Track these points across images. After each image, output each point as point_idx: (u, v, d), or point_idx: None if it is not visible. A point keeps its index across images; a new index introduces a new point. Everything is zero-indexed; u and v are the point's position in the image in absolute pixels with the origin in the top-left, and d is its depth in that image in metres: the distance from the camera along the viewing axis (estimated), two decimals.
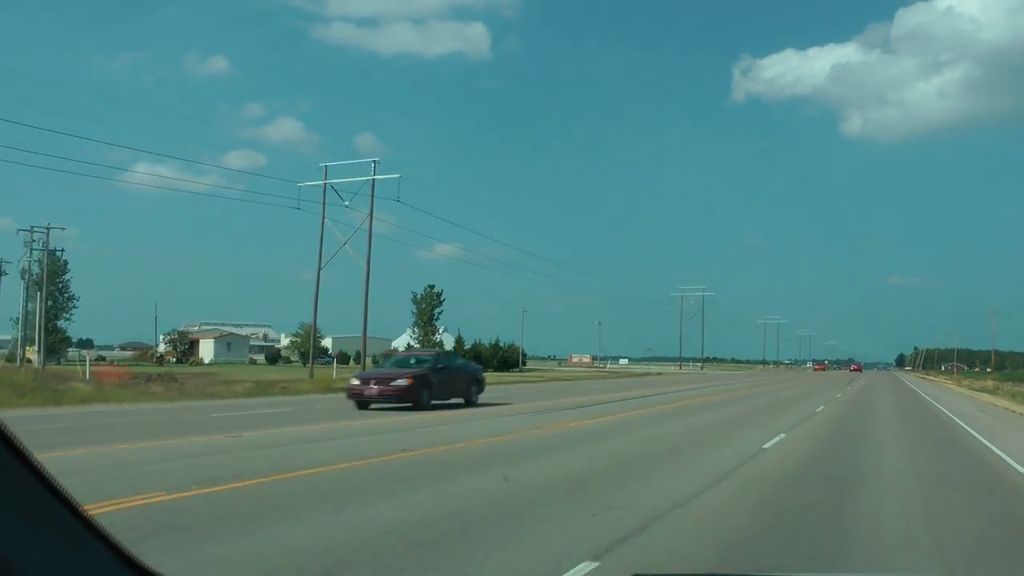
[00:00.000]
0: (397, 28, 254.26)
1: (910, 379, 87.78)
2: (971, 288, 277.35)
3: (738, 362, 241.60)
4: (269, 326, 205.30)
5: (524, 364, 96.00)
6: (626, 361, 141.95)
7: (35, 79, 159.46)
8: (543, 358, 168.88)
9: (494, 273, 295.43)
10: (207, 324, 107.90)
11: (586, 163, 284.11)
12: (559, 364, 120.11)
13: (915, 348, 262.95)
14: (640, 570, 3.42)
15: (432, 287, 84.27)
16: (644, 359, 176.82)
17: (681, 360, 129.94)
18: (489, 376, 35.33)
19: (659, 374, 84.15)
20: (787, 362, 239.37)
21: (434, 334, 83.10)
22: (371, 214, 47.62)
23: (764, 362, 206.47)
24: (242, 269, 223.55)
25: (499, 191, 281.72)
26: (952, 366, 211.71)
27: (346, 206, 48.49)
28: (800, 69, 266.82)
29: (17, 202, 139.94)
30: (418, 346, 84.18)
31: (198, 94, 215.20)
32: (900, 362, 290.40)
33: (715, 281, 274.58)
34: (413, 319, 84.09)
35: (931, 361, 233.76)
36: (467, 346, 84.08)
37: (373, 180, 47.63)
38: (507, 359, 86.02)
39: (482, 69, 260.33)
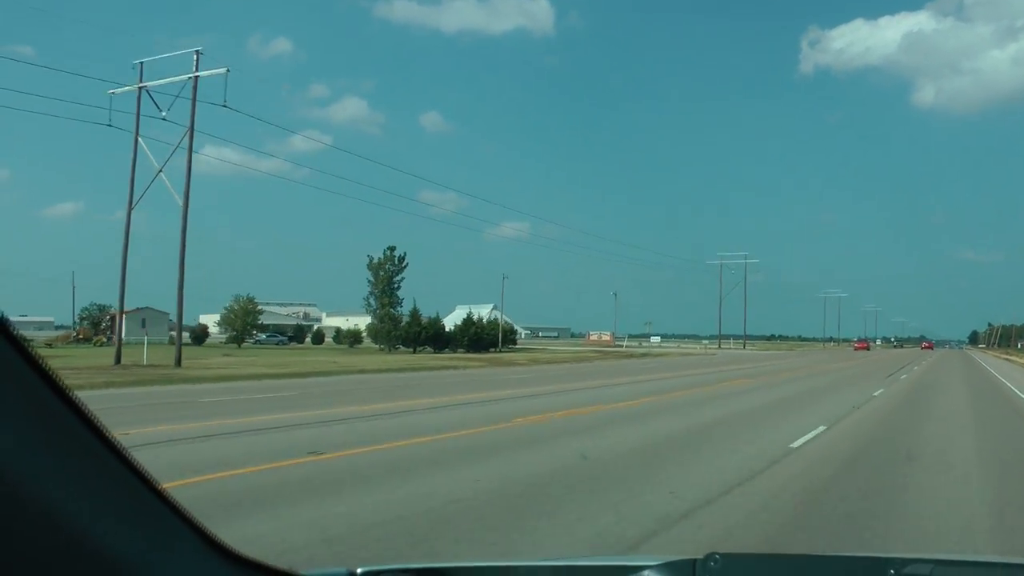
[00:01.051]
0: (460, 4, 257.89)
1: (987, 359, 71.05)
2: None
3: (804, 339, 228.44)
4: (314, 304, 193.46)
5: (512, 343, 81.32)
6: (658, 339, 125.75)
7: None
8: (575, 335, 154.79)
9: (560, 254, 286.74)
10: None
11: (651, 139, 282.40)
12: (578, 342, 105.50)
13: (989, 324, 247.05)
14: None
15: (392, 249, 69.55)
16: (683, 336, 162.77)
17: (720, 337, 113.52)
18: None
19: (661, 355, 68.39)
20: (856, 340, 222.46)
21: (394, 306, 68.42)
22: (191, 129, 32.96)
23: (828, 339, 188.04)
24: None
25: (562, 169, 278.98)
26: None
27: (163, 117, 33.74)
28: (871, 39, 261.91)
29: None
30: (373, 319, 69.88)
31: (264, 74, 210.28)
32: (973, 339, 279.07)
33: (782, 256, 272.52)
34: (368, 288, 69.53)
35: (1007, 338, 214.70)
36: (433, 320, 69.33)
37: (195, 79, 32.91)
38: (481, 337, 70.77)
39: (546, 44, 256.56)
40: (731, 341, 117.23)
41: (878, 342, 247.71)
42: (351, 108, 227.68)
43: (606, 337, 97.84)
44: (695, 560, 1.85)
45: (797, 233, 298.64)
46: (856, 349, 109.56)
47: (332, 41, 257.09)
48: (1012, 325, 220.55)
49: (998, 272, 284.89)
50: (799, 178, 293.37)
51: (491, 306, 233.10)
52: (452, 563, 3.30)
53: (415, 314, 66.80)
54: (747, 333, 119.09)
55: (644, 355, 66.55)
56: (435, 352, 63.17)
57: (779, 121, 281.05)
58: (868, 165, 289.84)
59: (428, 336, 65.34)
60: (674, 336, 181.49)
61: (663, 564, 1.90)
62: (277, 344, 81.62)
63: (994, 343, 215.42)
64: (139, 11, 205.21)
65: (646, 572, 1.95)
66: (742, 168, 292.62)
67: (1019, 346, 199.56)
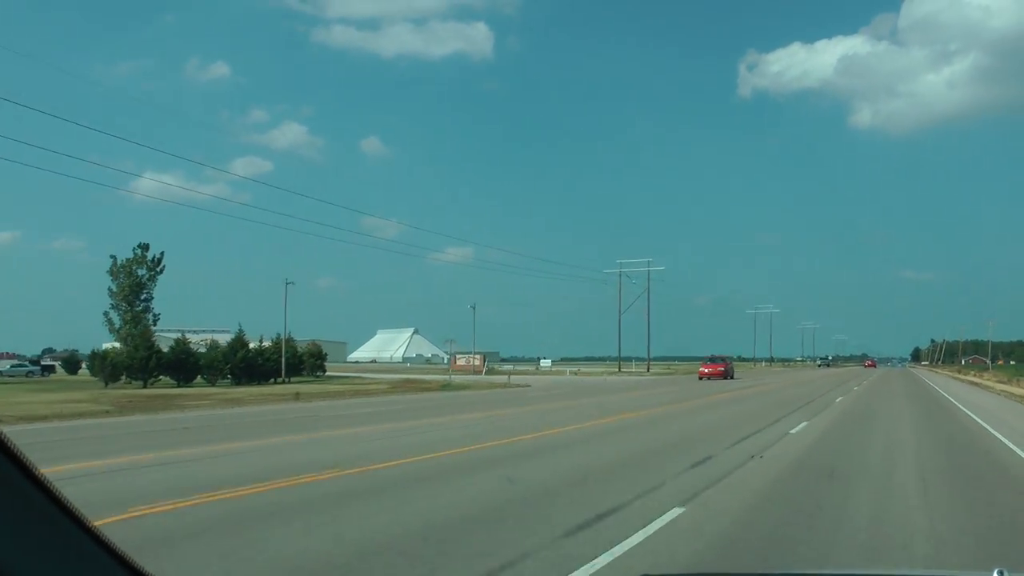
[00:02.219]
0: (398, 29, 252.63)
1: (941, 383, 54.79)
2: (987, 280, 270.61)
3: (744, 360, 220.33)
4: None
5: (320, 370, 61.96)
6: (548, 362, 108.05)
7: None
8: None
9: (505, 274, 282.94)
10: None
11: (590, 162, 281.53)
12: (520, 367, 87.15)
13: (932, 341, 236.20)
14: None
15: (145, 248, 50.76)
16: (607, 358, 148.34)
17: (621, 360, 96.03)
18: None
19: (519, 386, 50.31)
20: (706, 360, 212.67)
21: (139, 323, 49.37)
22: None
23: (759, 360, 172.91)
24: None
25: (502, 193, 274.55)
26: (973, 359, 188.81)
27: None
28: (808, 62, 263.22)
29: None
30: (114, 344, 51.06)
31: (201, 100, 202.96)
32: (916, 356, 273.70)
33: (726, 277, 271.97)
34: (111, 301, 50.49)
35: (952, 354, 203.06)
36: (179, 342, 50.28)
37: None
38: (255, 365, 51.87)
39: (485, 69, 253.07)
40: (632, 364, 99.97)
41: (809, 361, 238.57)
42: (291, 134, 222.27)
43: (476, 361, 79.84)
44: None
45: (736, 254, 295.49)
46: (702, 376, 64.09)
47: (270, 66, 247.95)
48: (957, 341, 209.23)
49: (937, 290, 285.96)
50: (742, 202, 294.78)
51: (412, 330, 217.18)
52: None
53: (146, 333, 47.61)
54: (664, 354, 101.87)
55: (497, 386, 48.18)
56: (177, 385, 45.25)
57: (720, 145, 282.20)
58: (807, 186, 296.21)
59: (168, 363, 46.60)
60: (595, 358, 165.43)
61: None
62: (26, 375, 62.78)
63: (938, 360, 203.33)
64: (74, 33, 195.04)
65: None
66: (684, 192, 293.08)
67: (963, 363, 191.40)
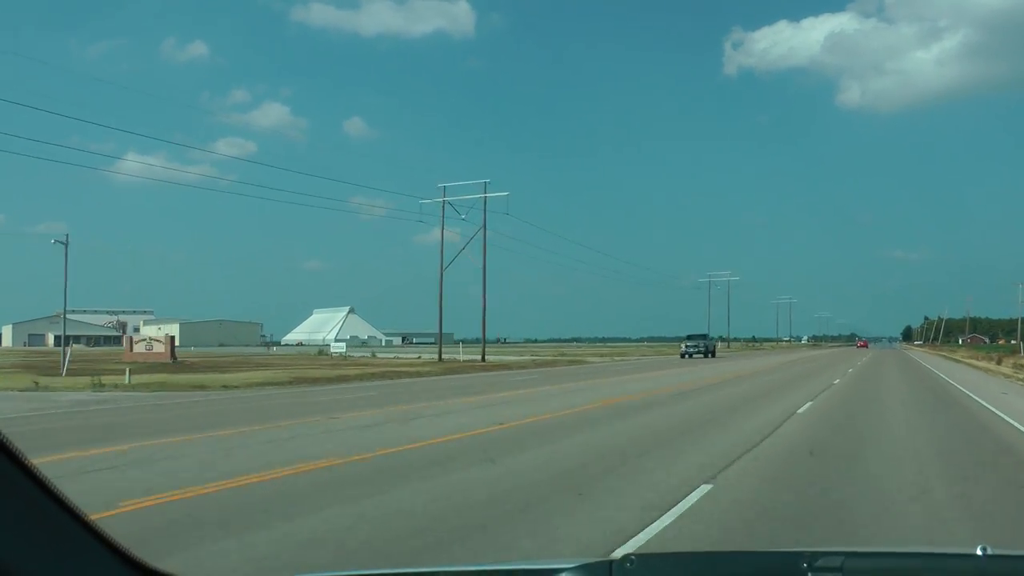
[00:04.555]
0: (378, 7, 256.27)
1: (933, 362, 39.99)
2: (980, 257, 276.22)
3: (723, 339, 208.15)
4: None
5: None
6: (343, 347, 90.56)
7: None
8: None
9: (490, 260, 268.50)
10: None
11: (574, 141, 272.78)
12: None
13: (926, 318, 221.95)
14: None
15: None
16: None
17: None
18: None
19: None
20: (787, 340, 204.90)
21: None
22: None
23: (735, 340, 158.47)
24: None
25: (486, 170, 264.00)
26: (970, 338, 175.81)
27: None
28: (794, 40, 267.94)
29: None
30: None
31: (179, 80, 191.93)
32: (907, 335, 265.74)
33: (714, 259, 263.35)
34: None
35: (949, 333, 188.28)
36: None
37: None
38: None
39: (467, 48, 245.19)
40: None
41: (804, 339, 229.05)
42: (273, 114, 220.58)
43: (160, 345, 57.83)
44: (611, 561, 1.87)
45: (728, 236, 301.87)
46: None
47: (249, 46, 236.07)
48: (953, 318, 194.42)
49: (927, 268, 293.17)
50: (730, 182, 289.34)
51: (347, 310, 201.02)
52: (374, 571, 3.98)
53: None
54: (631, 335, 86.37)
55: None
56: None
57: (705, 124, 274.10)
58: (794, 165, 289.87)
59: None
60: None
61: (580, 566, 1.91)
62: None
63: (933, 339, 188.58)
64: (49, 13, 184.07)
65: (563, 574, 1.96)
66: (670, 172, 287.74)
67: (959, 341, 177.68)
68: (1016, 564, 2.10)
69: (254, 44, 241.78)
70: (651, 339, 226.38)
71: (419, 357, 63.93)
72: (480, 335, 58.77)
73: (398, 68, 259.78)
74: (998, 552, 1.97)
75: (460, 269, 66.79)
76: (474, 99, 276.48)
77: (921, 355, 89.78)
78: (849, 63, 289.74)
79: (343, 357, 68.85)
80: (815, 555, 1.81)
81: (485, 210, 56.52)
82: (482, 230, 56.67)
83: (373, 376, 35.83)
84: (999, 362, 54.04)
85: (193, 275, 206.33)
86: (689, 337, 75.92)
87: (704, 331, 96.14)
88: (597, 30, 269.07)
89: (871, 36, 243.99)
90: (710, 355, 70.00)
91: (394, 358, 64.81)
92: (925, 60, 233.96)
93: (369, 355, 74.49)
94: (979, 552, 1.94)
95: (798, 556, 1.84)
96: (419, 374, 38.24)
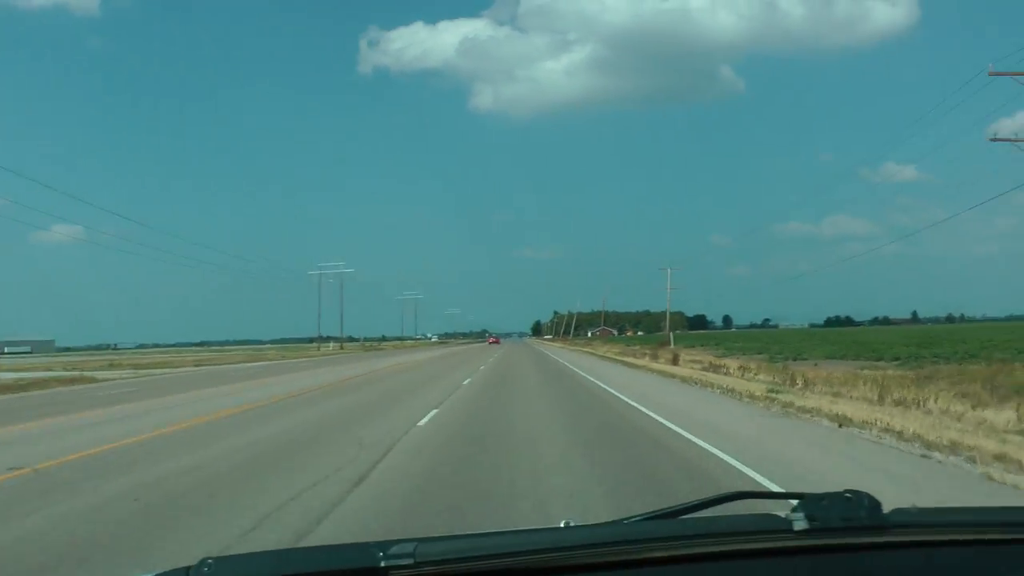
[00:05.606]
0: None
1: (579, 363, 27.71)
2: (607, 255, 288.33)
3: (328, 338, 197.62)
4: None
5: None
6: None
7: None
8: None
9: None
10: None
11: (204, 129, 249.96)
12: None
13: (555, 313, 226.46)
14: None
15: None
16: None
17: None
18: None
19: None
20: (413, 339, 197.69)
21: None
22: None
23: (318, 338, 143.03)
24: None
25: (113, 158, 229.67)
26: (601, 331, 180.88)
27: None
28: (430, 42, 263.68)
29: None
30: None
31: None
32: (536, 330, 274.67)
33: (350, 255, 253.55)
34: None
35: (579, 327, 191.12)
36: None
37: None
38: None
39: (89, 24, 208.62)
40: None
41: (432, 337, 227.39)
42: None
43: None
44: (188, 568, 1.82)
45: (360, 232, 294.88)
46: None
47: None
48: (582, 312, 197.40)
49: (556, 266, 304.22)
50: (367, 180, 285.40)
51: None
52: None
53: None
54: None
55: None
56: None
57: (342, 120, 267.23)
58: (432, 166, 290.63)
59: None
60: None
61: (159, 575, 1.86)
62: None
63: (564, 332, 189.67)
64: None
65: None
66: (306, 167, 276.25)
67: (590, 335, 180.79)
68: (591, 531, 2.11)
69: None
70: (286, 340, 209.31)
71: None
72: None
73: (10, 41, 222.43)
74: (578, 524, 2.15)
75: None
76: (94, 80, 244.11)
77: (558, 351, 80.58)
78: (482, 68, 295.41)
79: None
80: (388, 544, 1.86)
81: None
82: None
83: None
84: (661, 358, 43.12)
85: None
86: None
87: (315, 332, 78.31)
88: (229, 17, 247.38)
89: (504, 43, 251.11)
90: None
91: None
92: (555, 70, 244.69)
93: None
94: (562, 525, 2.15)
95: (374, 546, 1.88)
96: None
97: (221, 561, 1.82)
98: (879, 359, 39.38)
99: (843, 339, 71.96)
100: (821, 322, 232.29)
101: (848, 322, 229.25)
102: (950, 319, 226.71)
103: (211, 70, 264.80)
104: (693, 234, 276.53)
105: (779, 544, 1.94)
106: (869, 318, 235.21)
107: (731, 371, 28.90)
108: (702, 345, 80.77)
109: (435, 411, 17.57)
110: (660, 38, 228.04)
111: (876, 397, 17.91)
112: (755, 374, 26.98)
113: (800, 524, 1.90)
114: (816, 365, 32.57)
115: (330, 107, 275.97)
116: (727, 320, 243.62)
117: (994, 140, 30.44)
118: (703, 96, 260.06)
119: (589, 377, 30.38)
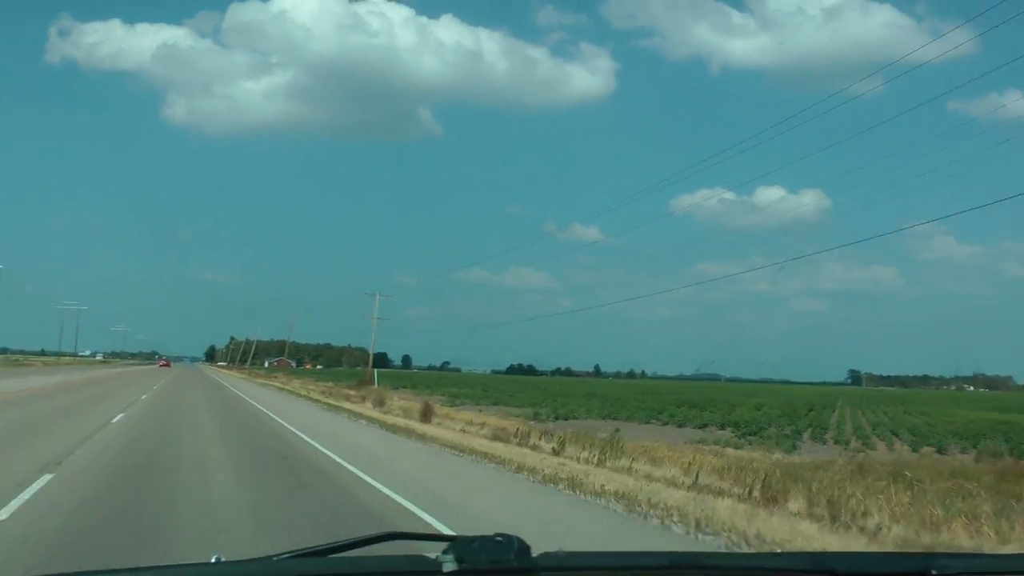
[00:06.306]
0: None
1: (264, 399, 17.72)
2: (291, 283, 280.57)
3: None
4: None
5: None
6: None
7: None
8: None
9: None
10: None
11: None
12: None
13: (232, 338, 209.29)
14: None
15: None
16: None
17: None
18: None
19: None
20: (72, 355, 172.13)
21: None
22: None
23: None
24: None
25: None
26: (279, 361, 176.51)
27: None
28: (126, 42, 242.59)
29: None
30: None
31: None
32: (211, 355, 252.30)
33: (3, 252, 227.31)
34: None
35: (256, 355, 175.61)
36: None
37: None
38: None
39: None
40: None
41: (98, 355, 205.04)
42: None
43: None
44: None
45: (25, 228, 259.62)
46: None
47: None
48: (260, 340, 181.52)
49: (236, 291, 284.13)
50: (35, 176, 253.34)
51: None
52: None
53: None
54: None
55: None
56: None
57: (11, 105, 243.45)
58: (115, 172, 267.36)
59: None
60: None
61: None
62: None
63: (240, 360, 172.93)
64: None
65: None
66: None
67: (267, 364, 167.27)
68: (240, 568, 2.15)
69: None
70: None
71: None
72: None
73: None
74: (230, 560, 2.19)
75: None
76: None
77: (237, 382, 67.19)
78: (179, 78, 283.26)
79: None
80: (202, 566, 1.92)
81: None
82: None
83: None
84: (388, 404, 32.77)
85: None
86: None
87: None
88: None
89: (204, 56, 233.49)
90: None
91: None
92: (253, 91, 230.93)
93: None
94: (213, 560, 2.19)
95: (188, 569, 1.94)
96: None
97: None
98: (681, 423, 31.79)
99: (533, 386, 68.85)
100: (503, 368, 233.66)
101: (531, 371, 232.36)
102: (631, 375, 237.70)
103: None
104: (379, 271, 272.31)
105: None
106: (551, 368, 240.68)
107: (525, 439, 19.24)
108: (404, 387, 71.61)
109: None
110: (364, 72, 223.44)
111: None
112: (582, 449, 17.38)
113: (449, 566, 1.96)
114: (618, 431, 23.94)
115: (4, 92, 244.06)
116: (406, 360, 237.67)
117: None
118: (401, 135, 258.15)
119: (305, 437, 19.39)
